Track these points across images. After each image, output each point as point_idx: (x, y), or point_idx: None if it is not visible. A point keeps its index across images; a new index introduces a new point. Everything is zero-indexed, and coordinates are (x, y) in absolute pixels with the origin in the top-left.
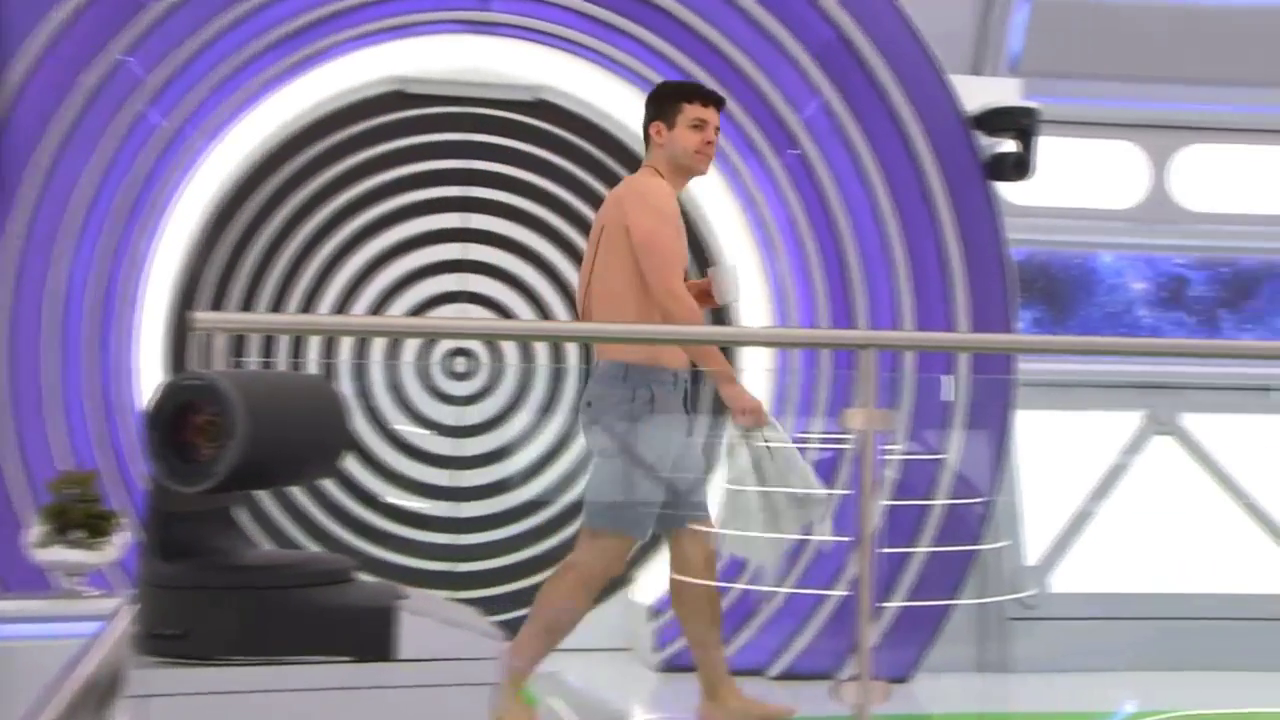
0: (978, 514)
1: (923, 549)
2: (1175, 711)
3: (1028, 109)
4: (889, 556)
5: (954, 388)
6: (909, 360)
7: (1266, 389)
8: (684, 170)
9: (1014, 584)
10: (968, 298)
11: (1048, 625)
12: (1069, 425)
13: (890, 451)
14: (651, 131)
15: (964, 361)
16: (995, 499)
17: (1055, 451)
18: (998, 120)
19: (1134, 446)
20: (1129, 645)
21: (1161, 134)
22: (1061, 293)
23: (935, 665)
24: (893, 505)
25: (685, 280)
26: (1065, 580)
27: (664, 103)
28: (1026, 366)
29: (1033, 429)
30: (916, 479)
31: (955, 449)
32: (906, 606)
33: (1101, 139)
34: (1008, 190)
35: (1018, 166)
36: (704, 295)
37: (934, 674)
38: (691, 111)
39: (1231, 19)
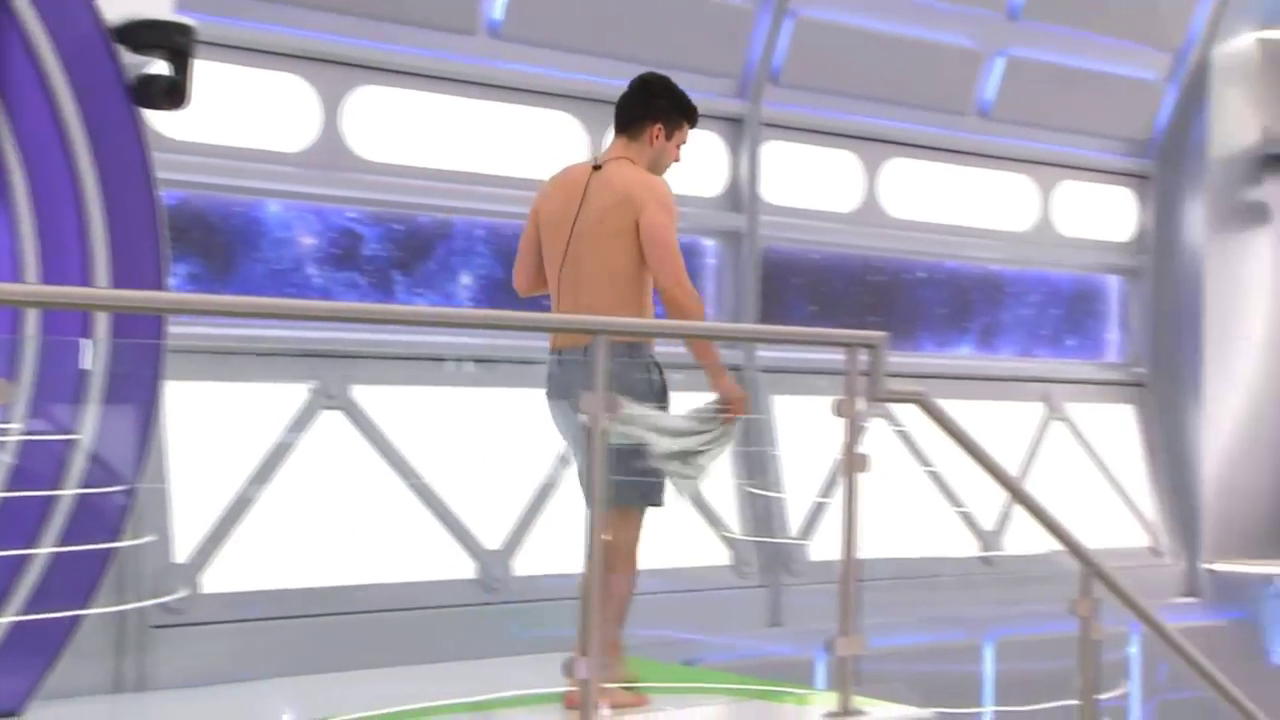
0: (118, 505)
1: (46, 550)
2: (340, 716)
3: (182, 25)
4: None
5: (93, 354)
6: (33, 319)
7: (440, 359)
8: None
9: (159, 586)
10: (108, 245)
11: (198, 632)
12: (227, 398)
13: (6, 431)
14: (653, 130)
15: (103, 322)
16: (139, 487)
17: (211, 429)
18: (146, 35)
19: (300, 423)
20: (289, 647)
21: (333, 71)
22: (221, 245)
23: (58, 691)
24: (8, 497)
25: None
26: (219, 579)
27: (673, 112)
28: (178, 330)
29: (185, 403)
30: (40, 464)
31: (91, 427)
32: (20, 622)
33: (267, 70)
34: (159, 121)
35: (171, 93)
36: None
37: (54, 701)
38: (686, 133)
39: None
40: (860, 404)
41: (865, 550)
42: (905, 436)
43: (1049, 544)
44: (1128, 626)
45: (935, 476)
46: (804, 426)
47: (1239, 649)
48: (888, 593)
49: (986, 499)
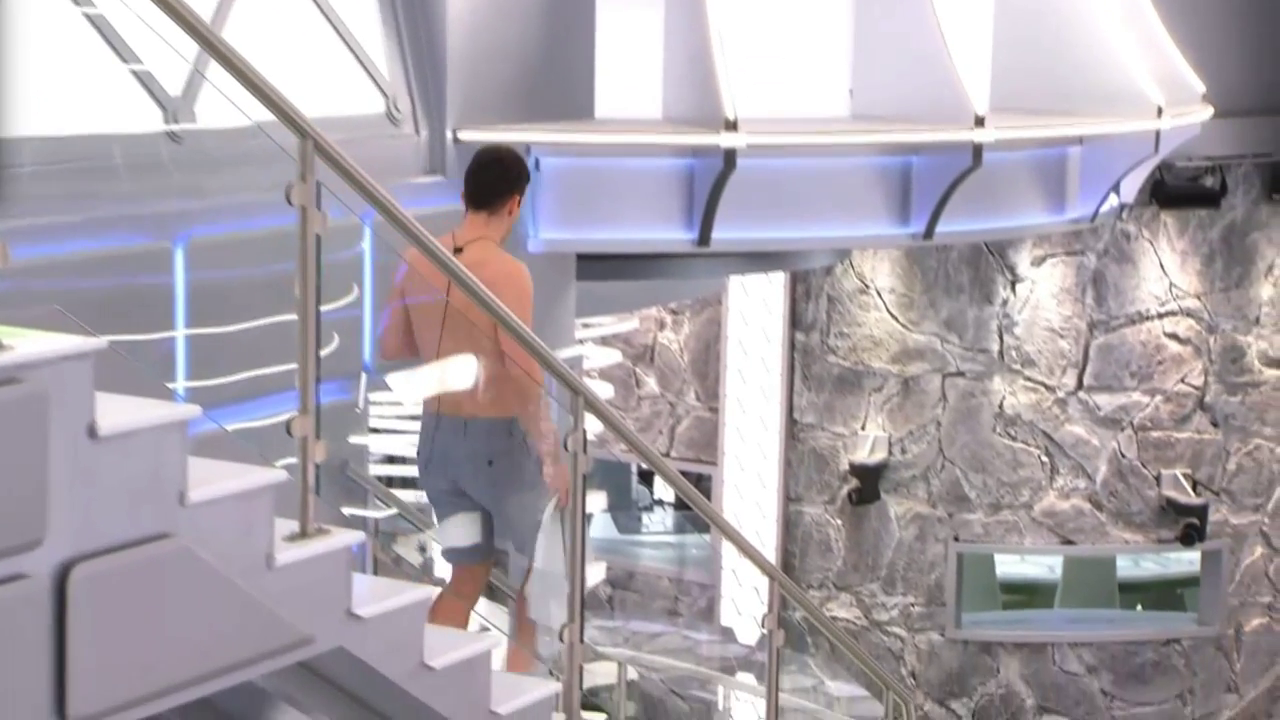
0: None
1: None
2: None
3: None
4: None
5: None
6: None
7: None
8: None
9: None
10: None
11: None
12: None
13: None
14: (513, 202)
15: None
16: None
17: None
18: None
19: None
20: None
21: None
22: None
23: None
24: None
25: None
26: None
27: (522, 180)
28: None
29: None
30: None
31: None
32: None
33: None
34: None
35: None
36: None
37: None
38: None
39: None
40: None
41: (4, 128)
42: None
43: (259, 113)
44: (360, 216)
45: (99, 22)
46: None
47: None
48: (39, 183)
49: (172, 53)
